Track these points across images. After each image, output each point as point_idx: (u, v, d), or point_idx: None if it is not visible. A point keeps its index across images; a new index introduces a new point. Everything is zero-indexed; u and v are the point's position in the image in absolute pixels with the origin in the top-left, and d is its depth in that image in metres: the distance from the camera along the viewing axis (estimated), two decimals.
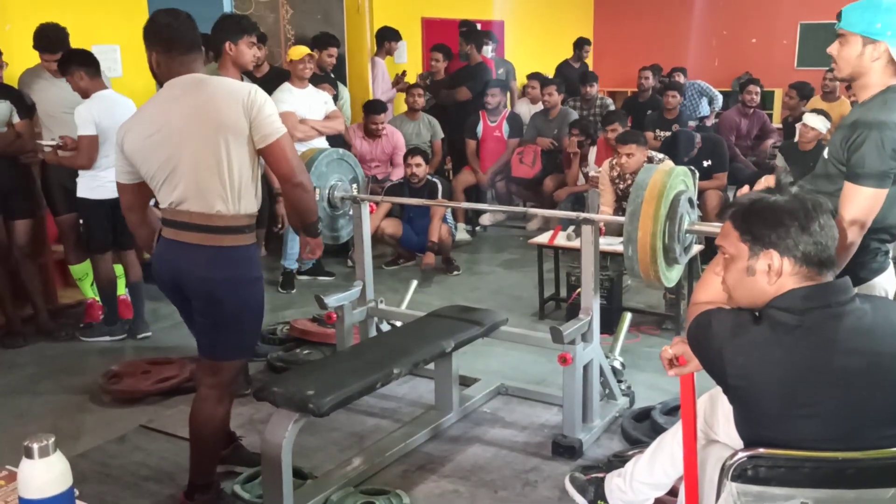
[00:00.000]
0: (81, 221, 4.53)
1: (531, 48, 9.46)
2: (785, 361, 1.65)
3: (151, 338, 4.72)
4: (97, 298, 4.78)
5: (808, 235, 1.69)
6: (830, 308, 1.68)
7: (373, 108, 6.42)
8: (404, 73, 7.44)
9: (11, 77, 4.87)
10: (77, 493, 1.67)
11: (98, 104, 4.28)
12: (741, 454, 1.63)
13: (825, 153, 2.53)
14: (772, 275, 1.71)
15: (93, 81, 4.30)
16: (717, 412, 2.15)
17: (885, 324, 1.70)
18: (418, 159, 5.95)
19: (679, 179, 3.10)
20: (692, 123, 7.20)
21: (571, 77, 8.22)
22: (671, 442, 2.27)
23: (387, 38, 7.15)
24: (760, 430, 1.68)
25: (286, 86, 5.26)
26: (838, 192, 2.38)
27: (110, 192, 4.41)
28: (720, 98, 8.21)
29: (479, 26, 8.40)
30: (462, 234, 6.87)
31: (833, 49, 2.43)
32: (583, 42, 8.95)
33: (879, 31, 2.32)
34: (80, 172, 4.39)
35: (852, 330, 1.66)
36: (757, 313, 1.75)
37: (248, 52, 3.75)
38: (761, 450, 1.63)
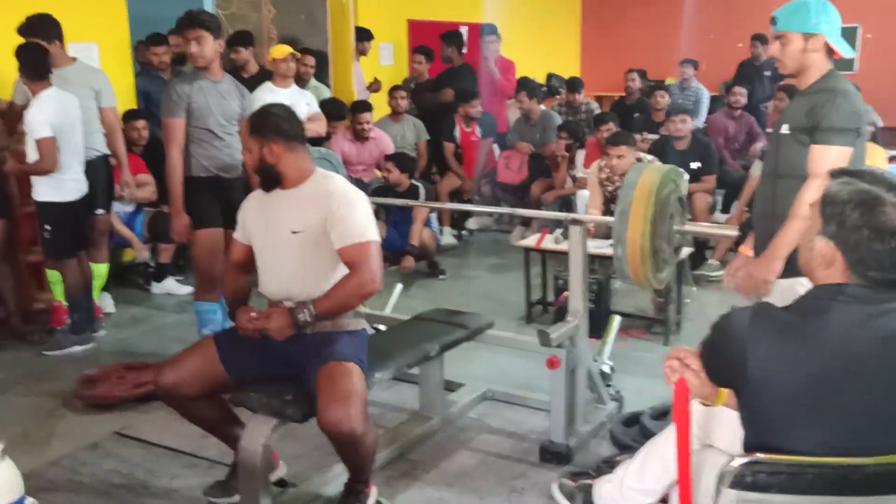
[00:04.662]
0: (47, 227, 4.30)
1: (518, 52, 9.40)
2: (809, 353, 1.58)
3: (128, 343, 4.61)
4: (64, 302, 4.58)
5: (873, 250, 1.57)
6: (869, 306, 1.59)
7: (359, 107, 6.33)
8: (376, 80, 7.36)
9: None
10: (33, 502, 1.58)
11: (48, 104, 4.14)
12: (740, 459, 1.55)
13: (784, 129, 2.74)
14: (824, 261, 1.63)
15: (35, 83, 4.15)
16: (713, 418, 2.07)
17: None
18: (390, 165, 5.87)
19: (669, 179, 3.03)
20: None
21: (751, 76, 7.91)
22: (662, 447, 2.19)
23: (358, 38, 7.05)
24: (771, 433, 1.60)
25: (267, 85, 5.16)
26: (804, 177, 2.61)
27: (75, 193, 4.30)
28: (707, 98, 8.15)
29: (466, 30, 8.34)
30: (448, 238, 6.78)
31: (775, 50, 2.77)
32: (757, 38, 8.17)
33: (815, 25, 2.68)
34: (39, 176, 4.23)
35: (887, 330, 1.57)
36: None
37: (186, 45, 3.91)
38: (760, 455, 1.55)
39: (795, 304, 1.65)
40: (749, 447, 1.63)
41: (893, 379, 1.57)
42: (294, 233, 2.68)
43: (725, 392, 1.75)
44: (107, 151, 4.63)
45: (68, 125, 4.22)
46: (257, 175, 2.78)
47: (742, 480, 1.54)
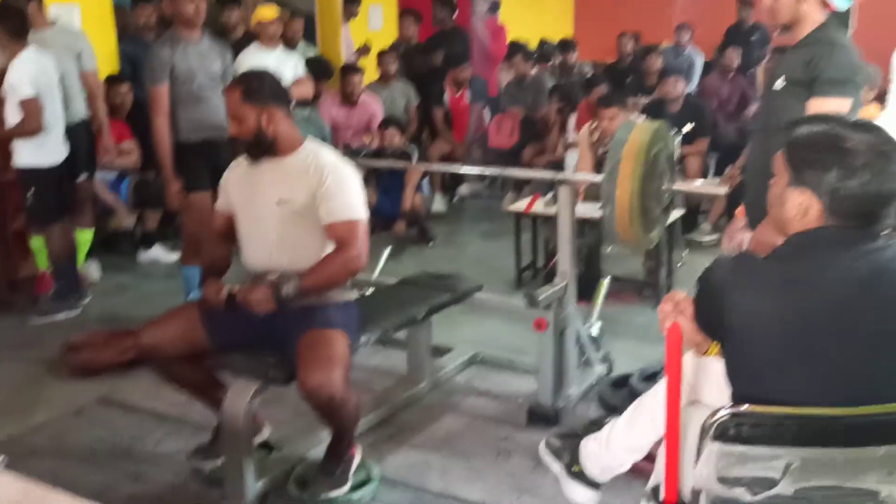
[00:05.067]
0: (30, 193, 4.20)
1: (511, 17, 9.26)
2: (790, 299, 1.54)
3: (115, 310, 4.56)
4: (49, 270, 4.50)
5: (846, 187, 1.54)
6: (848, 249, 1.56)
7: (348, 70, 6.24)
8: (366, 46, 7.24)
9: None
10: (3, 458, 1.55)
11: (28, 63, 4.04)
12: (723, 412, 1.51)
13: (779, 84, 2.70)
14: (800, 212, 1.60)
15: (13, 43, 4.03)
16: (701, 373, 2.04)
17: None
18: (392, 131, 5.79)
19: (658, 137, 2.98)
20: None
21: (738, 40, 7.62)
22: (650, 403, 2.16)
23: (347, 1, 6.94)
24: (755, 383, 1.57)
25: (253, 47, 5.06)
26: None
27: (57, 157, 4.22)
28: (700, 62, 8.05)
29: None
30: (439, 204, 6.73)
31: (768, 1, 2.72)
32: (742, 1, 7.87)
33: None
34: (21, 140, 4.13)
35: (869, 271, 1.54)
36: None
37: (188, 5, 3.74)
38: (744, 406, 1.52)
39: (775, 253, 1.62)
40: (735, 400, 1.60)
41: (877, 323, 1.54)
42: (280, 202, 2.62)
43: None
44: (87, 116, 4.54)
45: (48, 86, 4.13)
46: (249, 145, 2.65)
47: (725, 433, 1.51)
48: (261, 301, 2.52)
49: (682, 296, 1.78)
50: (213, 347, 2.65)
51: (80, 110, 4.46)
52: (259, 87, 2.62)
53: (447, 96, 7.02)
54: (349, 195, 2.61)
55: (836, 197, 1.55)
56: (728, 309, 1.58)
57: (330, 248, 2.63)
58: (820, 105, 2.53)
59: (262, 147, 2.63)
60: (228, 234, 2.83)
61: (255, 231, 2.69)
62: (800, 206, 1.59)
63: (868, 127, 1.61)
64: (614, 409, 3.08)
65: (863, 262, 1.55)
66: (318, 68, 5.93)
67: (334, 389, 2.40)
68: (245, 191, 2.72)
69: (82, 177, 4.51)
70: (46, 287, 4.49)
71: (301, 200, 2.60)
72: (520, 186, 6.63)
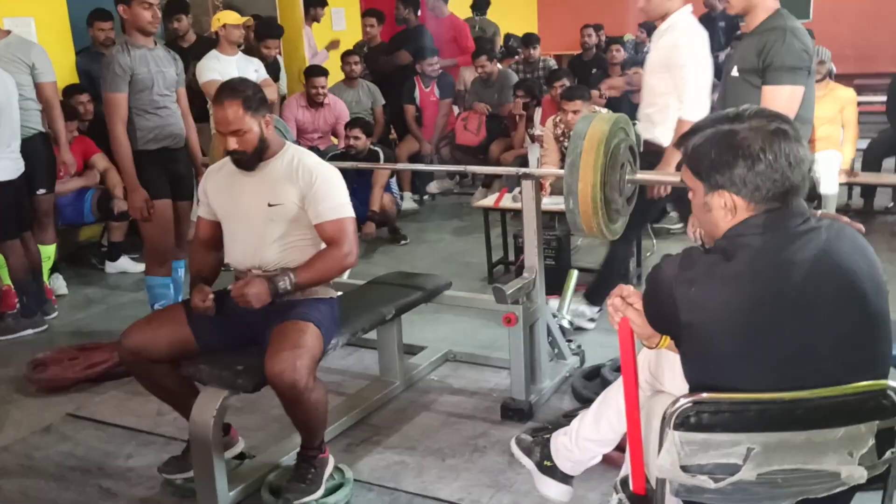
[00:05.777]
0: None
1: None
2: (737, 289, 1.55)
3: (83, 324, 4.50)
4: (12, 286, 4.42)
5: (757, 173, 1.57)
6: (783, 231, 1.58)
7: (313, 71, 6.19)
8: (335, 42, 7.22)
9: None
10: None
11: None
12: (683, 400, 1.52)
13: (734, 72, 2.73)
14: (727, 212, 1.63)
15: None
16: (663, 362, 2.04)
17: (843, 243, 1.60)
18: (357, 131, 5.75)
19: (619, 127, 2.98)
20: None
21: (707, 26, 7.73)
22: (616, 395, 2.16)
23: (312, 4, 6.91)
24: (712, 375, 1.58)
25: (213, 53, 5.00)
26: None
27: (13, 172, 4.13)
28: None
29: None
30: (409, 203, 6.71)
31: None
32: None
33: None
34: None
35: (809, 252, 1.56)
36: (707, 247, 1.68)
37: (144, 13, 3.68)
38: (704, 395, 1.52)
39: (716, 246, 1.64)
40: (693, 391, 1.61)
41: (828, 306, 1.55)
42: (271, 206, 2.65)
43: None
44: (44, 129, 4.46)
45: (6, 101, 4.05)
46: (250, 157, 2.63)
47: (686, 421, 1.51)
48: (258, 295, 2.53)
49: (630, 290, 1.79)
50: (200, 348, 2.64)
51: (35, 123, 4.38)
52: (253, 94, 2.62)
53: (417, 92, 7.00)
54: (337, 196, 2.67)
55: (753, 186, 1.58)
56: (679, 304, 1.58)
57: (320, 245, 2.70)
58: (772, 93, 2.56)
59: (261, 155, 2.65)
60: (216, 241, 2.82)
61: (247, 236, 2.70)
62: (725, 208, 1.62)
63: (750, 113, 1.64)
64: (587, 401, 3.09)
65: (804, 246, 1.56)
66: (266, 29, 5.92)
67: (297, 376, 2.39)
68: (231, 197, 2.72)
69: (41, 191, 4.43)
70: (11, 304, 4.42)
71: (292, 203, 2.65)
72: (490, 182, 6.63)
